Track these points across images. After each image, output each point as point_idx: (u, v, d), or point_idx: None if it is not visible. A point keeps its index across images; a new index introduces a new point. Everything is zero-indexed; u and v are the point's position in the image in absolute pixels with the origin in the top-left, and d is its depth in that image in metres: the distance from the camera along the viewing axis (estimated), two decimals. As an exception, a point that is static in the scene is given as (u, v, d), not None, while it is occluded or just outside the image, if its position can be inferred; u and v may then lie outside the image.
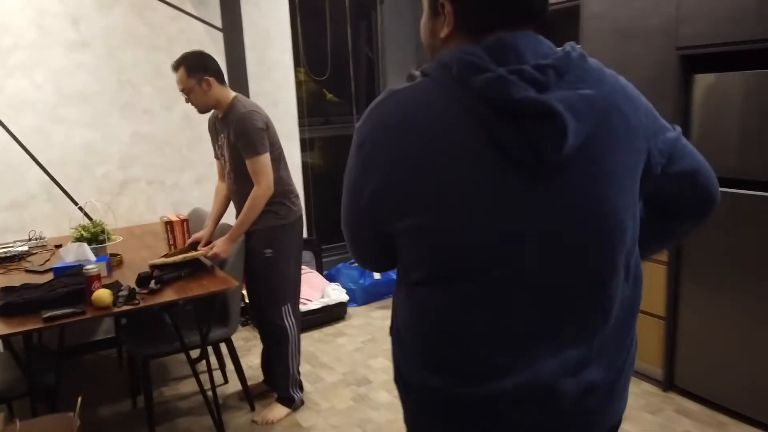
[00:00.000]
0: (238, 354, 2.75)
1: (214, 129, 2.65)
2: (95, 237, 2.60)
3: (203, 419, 2.65)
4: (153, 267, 2.34)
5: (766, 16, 2.18)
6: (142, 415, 2.49)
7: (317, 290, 3.76)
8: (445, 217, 0.83)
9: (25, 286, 2.20)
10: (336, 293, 3.76)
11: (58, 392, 2.20)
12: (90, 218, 3.31)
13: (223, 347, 2.90)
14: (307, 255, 3.96)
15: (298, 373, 2.77)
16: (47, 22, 3.11)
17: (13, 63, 3.05)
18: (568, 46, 0.87)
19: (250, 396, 2.76)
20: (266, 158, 2.47)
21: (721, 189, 1.03)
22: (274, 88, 3.83)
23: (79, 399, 1.56)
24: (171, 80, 2.70)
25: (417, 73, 1.18)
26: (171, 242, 2.81)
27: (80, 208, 3.29)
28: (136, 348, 2.43)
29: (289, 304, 2.65)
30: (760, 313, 2.35)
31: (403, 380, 0.99)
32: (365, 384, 2.95)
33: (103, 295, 2.05)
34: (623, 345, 0.94)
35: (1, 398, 2.09)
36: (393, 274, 3.27)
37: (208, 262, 2.49)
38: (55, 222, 3.21)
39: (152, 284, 2.26)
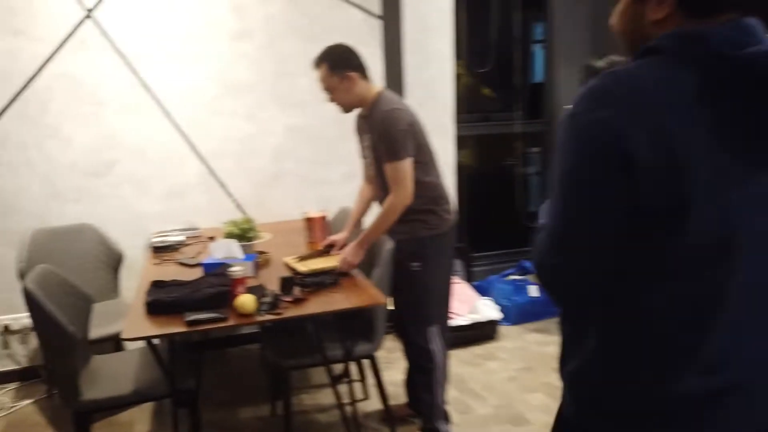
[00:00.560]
0: (380, 366, 2.49)
1: (359, 128, 2.41)
2: (244, 234, 2.50)
3: (341, 439, 2.44)
4: (294, 272, 2.15)
5: None
6: (280, 424, 2.33)
7: (466, 304, 3.40)
8: (717, 200, 0.79)
9: (174, 282, 2.12)
10: (487, 309, 3.38)
11: (198, 394, 2.10)
12: (243, 211, 3.28)
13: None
14: (455, 264, 3.62)
15: (445, 402, 2.45)
16: (210, 12, 3.09)
17: (179, 53, 3.07)
18: None
19: (392, 419, 2.49)
20: (407, 164, 2.17)
21: None
22: (432, 80, 3.53)
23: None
24: (327, 70, 2.50)
25: (602, 64, 1.42)
26: (310, 240, 2.63)
27: (234, 201, 3.26)
28: (276, 357, 2.26)
29: (436, 326, 2.34)
30: None
31: None
32: (522, 424, 2.54)
33: (247, 301, 1.88)
34: None
35: (143, 399, 2.02)
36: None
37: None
38: (211, 213, 3.20)
39: (296, 291, 2.08)
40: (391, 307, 2.38)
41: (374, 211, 2.43)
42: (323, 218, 2.65)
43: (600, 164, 0.81)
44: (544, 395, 2.76)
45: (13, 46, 2.83)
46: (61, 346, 1.87)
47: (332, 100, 2.28)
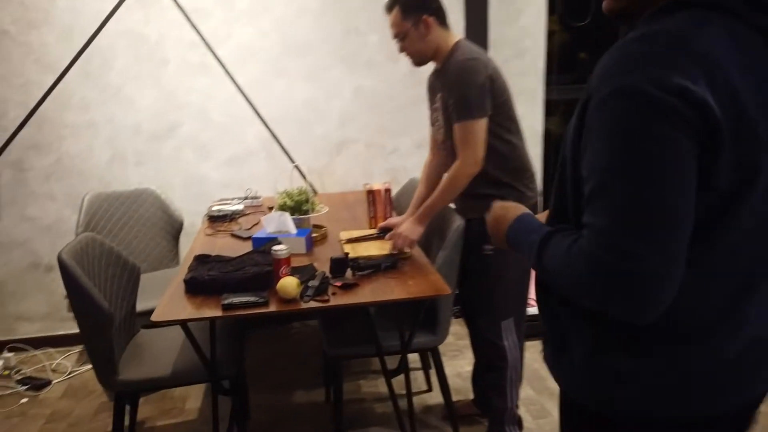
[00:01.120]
0: (446, 354, 2.21)
1: (431, 88, 2.08)
2: (299, 206, 2.27)
3: (397, 435, 2.21)
4: (347, 256, 1.90)
5: None
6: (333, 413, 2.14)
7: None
8: None
9: (217, 258, 1.94)
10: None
11: (240, 382, 1.92)
12: (305, 178, 3.07)
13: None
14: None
15: (517, 405, 2.14)
16: (276, -37, 2.85)
17: (240, 8, 2.86)
18: None
19: (454, 418, 2.23)
20: (481, 125, 1.82)
21: None
22: (521, 36, 3.11)
23: None
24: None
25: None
26: (372, 215, 2.37)
27: (296, 167, 3.06)
28: (327, 344, 2.04)
29: (510, 319, 2.02)
30: None
31: None
32: None
33: (288, 285, 1.66)
34: None
35: (180, 382, 1.87)
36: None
37: (408, 252, 1.99)
38: (272, 181, 3.02)
39: (348, 275, 1.84)
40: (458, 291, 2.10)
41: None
42: (387, 191, 2.37)
43: (674, 134, 0.72)
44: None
45: (75, 2, 2.72)
46: (95, 323, 1.74)
47: (403, 49, 1.96)
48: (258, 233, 2.18)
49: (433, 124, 2.12)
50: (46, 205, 2.91)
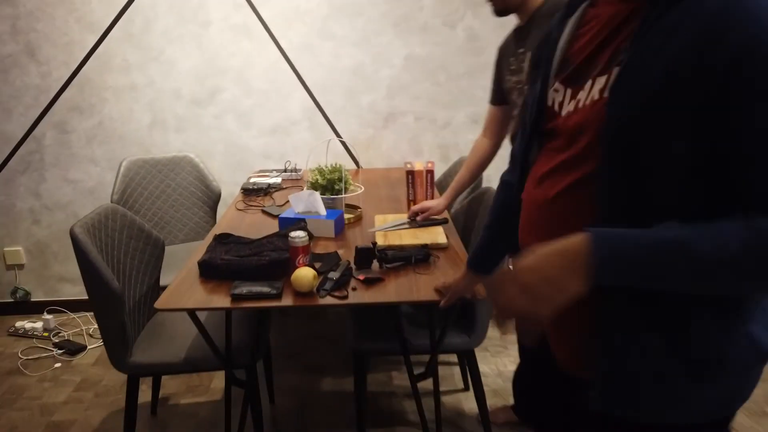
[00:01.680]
0: (488, 350, 2.01)
1: (505, 50, 1.80)
2: (331, 185, 2.09)
3: (425, 439, 2.04)
4: (375, 246, 1.71)
5: None
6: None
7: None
8: None
9: (237, 240, 1.80)
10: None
11: (254, 374, 1.80)
12: (350, 152, 2.89)
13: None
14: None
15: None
16: None
17: (287, -34, 2.66)
18: None
19: (487, 424, 2.03)
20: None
21: None
22: None
23: None
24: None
25: None
26: (411, 198, 2.16)
27: (342, 141, 2.88)
28: (351, 336, 1.88)
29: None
30: None
31: None
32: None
33: (303, 278, 1.49)
34: None
35: (193, 369, 1.76)
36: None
37: (444, 240, 1.78)
38: (315, 153, 2.86)
39: (374, 267, 1.65)
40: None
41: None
42: (429, 173, 2.15)
43: None
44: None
45: (118, -42, 2.61)
46: (105, 303, 1.64)
47: None
48: (285, 212, 2.02)
49: (495, 102, 1.86)
50: (88, 168, 2.88)
